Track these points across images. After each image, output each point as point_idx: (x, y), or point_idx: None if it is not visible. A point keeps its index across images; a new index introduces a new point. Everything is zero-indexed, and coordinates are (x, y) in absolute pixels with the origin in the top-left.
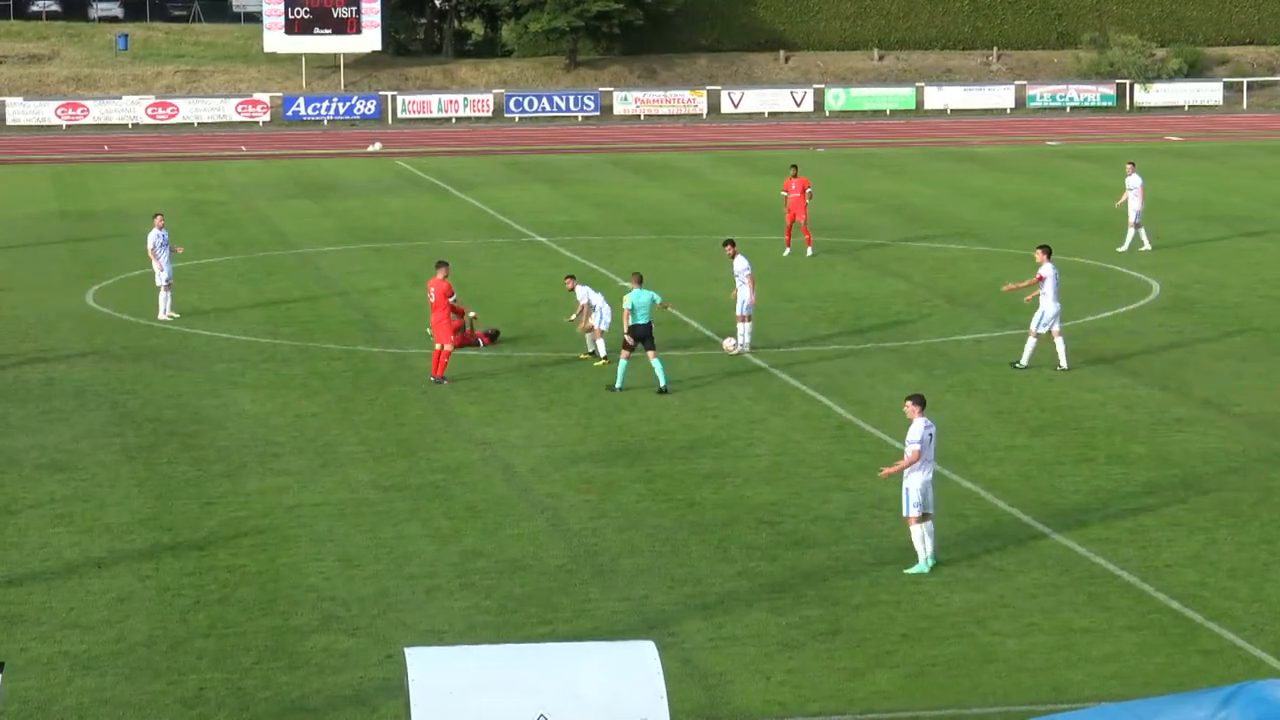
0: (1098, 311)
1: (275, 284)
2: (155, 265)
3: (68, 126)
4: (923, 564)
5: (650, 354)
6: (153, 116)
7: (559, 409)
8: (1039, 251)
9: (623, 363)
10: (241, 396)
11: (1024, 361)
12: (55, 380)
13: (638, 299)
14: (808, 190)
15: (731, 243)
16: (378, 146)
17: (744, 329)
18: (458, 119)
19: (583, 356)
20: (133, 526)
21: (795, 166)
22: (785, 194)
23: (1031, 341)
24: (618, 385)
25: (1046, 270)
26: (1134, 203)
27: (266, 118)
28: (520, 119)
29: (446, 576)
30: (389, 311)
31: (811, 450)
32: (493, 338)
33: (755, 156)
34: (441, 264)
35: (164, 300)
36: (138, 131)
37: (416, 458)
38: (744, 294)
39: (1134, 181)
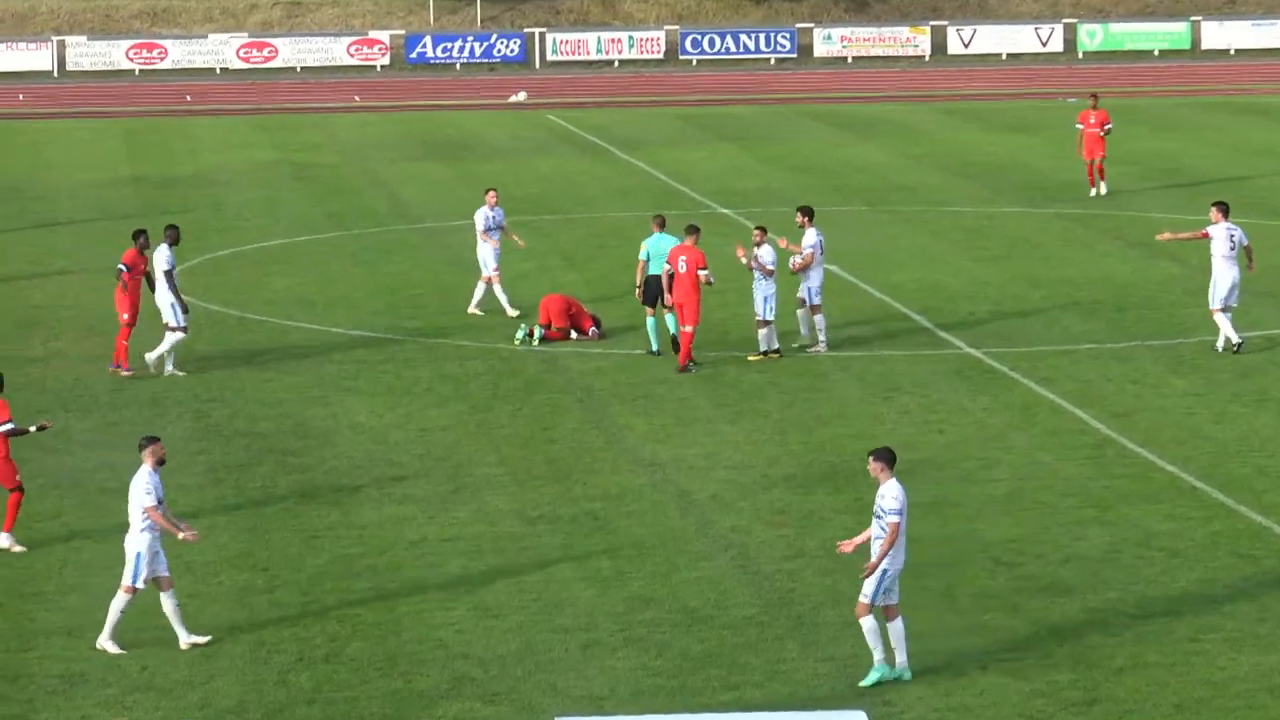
0: None
1: (396, 266)
2: (483, 251)
3: (141, 72)
4: (886, 669)
5: (667, 312)
6: (245, 60)
7: (748, 421)
8: (1214, 209)
9: (649, 321)
10: (354, 405)
11: (1234, 338)
12: (126, 385)
13: (655, 247)
14: (1106, 126)
15: (808, 212)
16: (522, 96)
17: (817, 320)
18: (621, 62)
19: (751, 358)
20: (220, 566)
21: (1095, 96)
22: (1080, 127)
23: (1222, 319)
24: (654, 348)
25: (1216, 231)
26: None
27: (385, 61)
28: (698, 62)
29: (607, 629)
30: (538, 301)
31: (1062, 474)
32: (597, 324)
33: (990, 109)
34: (693, 229)
35: (480, 291)
36: (227, 78)
37: (570, 482)
38: (815, 277)
39: None
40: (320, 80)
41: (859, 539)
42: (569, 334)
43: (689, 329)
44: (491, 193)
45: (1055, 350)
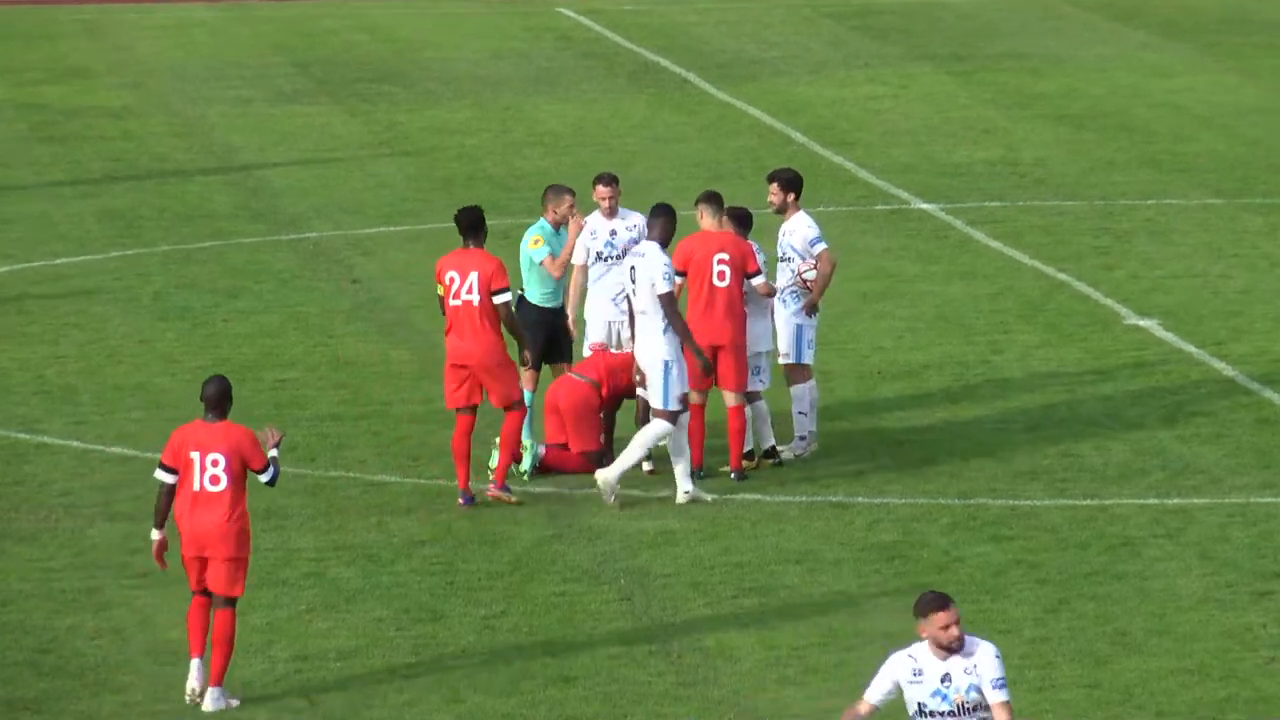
0: None
1: (251, 320)
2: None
3: None
4: None
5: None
6: None
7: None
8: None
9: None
10: (158, 605)
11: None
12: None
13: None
14: None
15: (793, 184)
16: None
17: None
18: None
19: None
20: None
21: None
22: None
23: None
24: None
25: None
26: None
27: None
28: None
29: None
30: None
31: None
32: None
33: None
34: (713, 201)
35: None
36: None
37: None
38: (785, 322)
39: None
40: None
41: None
42: (601, 459)
43: (735, 400)
44: (604, 186)
45: None
